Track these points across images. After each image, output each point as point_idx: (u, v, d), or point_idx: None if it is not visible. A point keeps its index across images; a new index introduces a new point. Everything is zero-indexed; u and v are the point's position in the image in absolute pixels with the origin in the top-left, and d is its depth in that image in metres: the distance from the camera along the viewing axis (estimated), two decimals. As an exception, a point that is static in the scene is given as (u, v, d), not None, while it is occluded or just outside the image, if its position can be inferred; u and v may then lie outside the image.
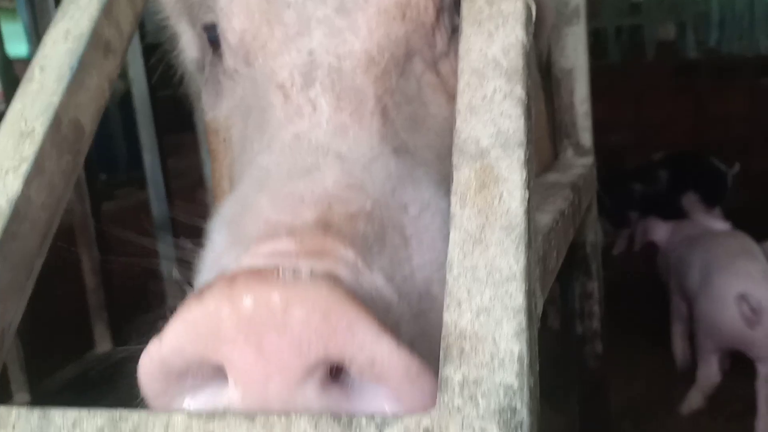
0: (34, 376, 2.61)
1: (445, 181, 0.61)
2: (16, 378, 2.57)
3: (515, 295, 0.48)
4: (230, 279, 0.46)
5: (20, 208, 0.59)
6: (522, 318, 0.47)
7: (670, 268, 2.48)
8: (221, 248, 0.62)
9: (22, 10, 2.85)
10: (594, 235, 1.14)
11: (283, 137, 0.67)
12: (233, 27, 0.78)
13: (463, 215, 0.53)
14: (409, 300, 0.54)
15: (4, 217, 0.57)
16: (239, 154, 0.78)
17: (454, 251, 0.51)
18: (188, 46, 1.01)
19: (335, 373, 0.49)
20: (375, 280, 0.53)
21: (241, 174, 0.73)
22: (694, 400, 2.26)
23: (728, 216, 3.44)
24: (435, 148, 0.68)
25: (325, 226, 0.56)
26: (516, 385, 0.45)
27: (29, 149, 0.62)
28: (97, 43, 0.75)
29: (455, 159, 0.56)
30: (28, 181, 0.61)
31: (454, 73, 0.68)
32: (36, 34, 2.67)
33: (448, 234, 0.52)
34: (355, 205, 0.58)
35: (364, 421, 0.45)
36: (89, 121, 0.71)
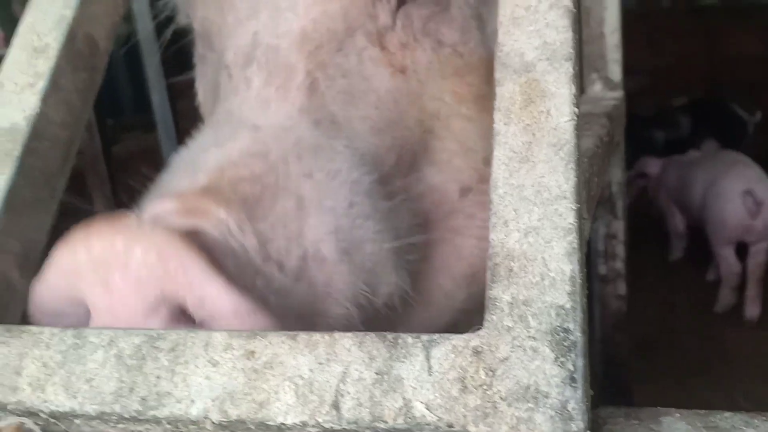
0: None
1: (377, 153, 0.67)
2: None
3: (565, 214, 0.46)
4: (87, 227, 0.52)
5: (38, 125, 0.56)
6: (573, 238, 0.45)
7: (668, 191, 2.90)
8: None
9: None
10: (620, 173, 1.11)
11: (219, 114, 0.71)
12: (196, 15, 0.82)
13: (508, 132, 0.50)
14: (290, 258, 0.58)
15: (23, 134, 0.54)
16: None
17: (498, 169, 0.48)
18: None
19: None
20: (245, 238, 0.56)
21: None
22: (725, 296, 2.59)
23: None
24: (371, 120, 0.70)
25: (208, 189, 0.59)
26: (569, 305, 0.42)
27: (44, 65, 0.59)
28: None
29: (498, 73, 0.53)
30: (45, 99, 0.58)
31: (402, 46, 0.71)
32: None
33: (355, 202, 0.60)
34: (246, 170, 0.61)
35: (410, 339, 0.43)
36: (104, 36, 0.67)
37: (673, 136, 3.29)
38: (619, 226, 1.12)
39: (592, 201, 0.61)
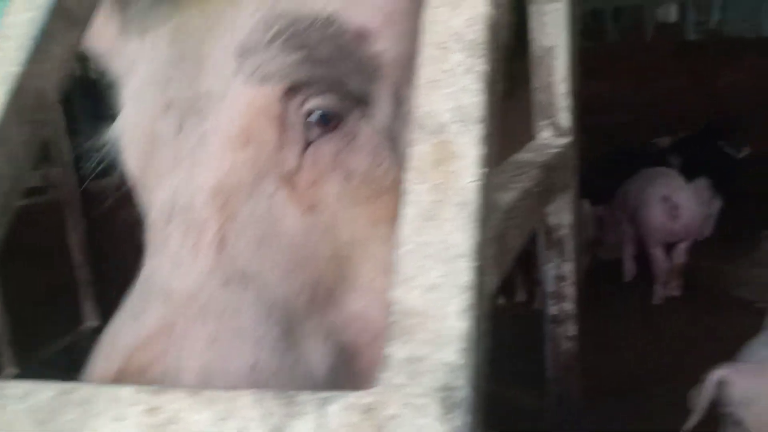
0: (22, 350, 2.61)
1: (288, 298, 0.70)
2: (4, 352, 2.57)
3: (465, 272, 0.48)
4: None
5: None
6: (470, 295, 0.47)
7: (624, 208, 3.19)
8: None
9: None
10: (570, 216, 1.14)
11: (142, 275, 0.74)
12: (129, 166, 0.84)
13: (417, 190, 0.52)
14: None
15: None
16: None
17: (406, 227, 0.50)
18: None
19: None
20: None
21: None
22: (658, 290, 2.99)
23: (731, 200, 3.58)
24: (282, 265, 0.72)
25: (118, 375, 0.63)
26: (459, 362, 0.44)
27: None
28: (59, 13, 0.73)
29: (413, 134, 0.55)
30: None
31: (312, 183, 0.74)
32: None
33: (260, 360, 0.64)
34: (152, 352, 0.65)
35: (305, 397, 0.44)
36: (53, 89, 0.69)
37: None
38: (569, 268, 1.15)
39: (509, 254, 0.63)
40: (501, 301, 3.13)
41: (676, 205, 2.82)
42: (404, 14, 0.75)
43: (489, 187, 0.54)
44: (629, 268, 3.31)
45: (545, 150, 0.99)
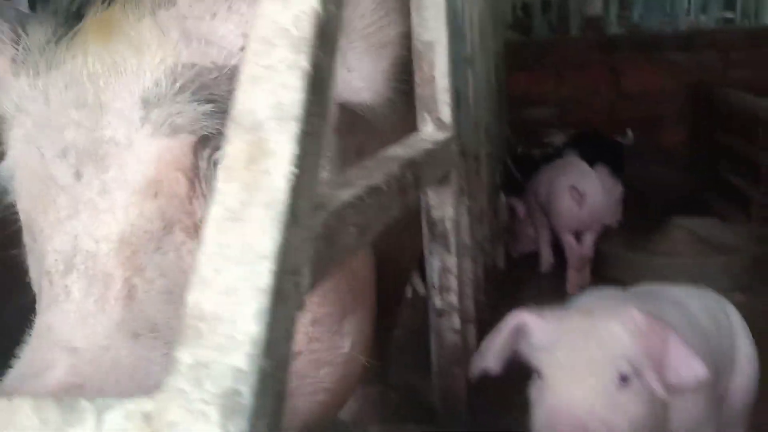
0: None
1: None
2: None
3: (264, 275, 0.47)
4: None
5: None
6: (266, 299, 0.46)
7: (536, 199, 3.32)
8: None
9: None
10: (454, 210, 1.15)
11: (39, 327, 0.71)
12: (21, 207, 0.82)
13: (226, 190, 0.50)
14: None
15: None
16: None
17: (209, 228, 0.49)
18: None
19: None
20: None
21: None
22: (572, 276, 3.08)
23: (638, 189, 3.76)
24: None
25: None
26: (246, 368, 0.43)
27: None
28: None
29: (229, 131, 0.53)
30: None
31: None
32: None
33: None
34: None
35: (85, 405, 0.43)
36: None
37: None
38: (453, 261, 1.16)
39: (341, 252, 0.62)
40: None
41: (583, 192, 2.94)
42: None
43: (308, 185, 0.54)
44: (546, 257, 3.40)
45: (420, 144, 0.99)
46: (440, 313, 1.19)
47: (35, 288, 0.83)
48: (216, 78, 0.75)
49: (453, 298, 1.17)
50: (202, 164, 0.76)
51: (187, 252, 0.74)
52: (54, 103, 0.77)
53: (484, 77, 2.64)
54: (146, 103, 0.74)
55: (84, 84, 0.76)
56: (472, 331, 1.64)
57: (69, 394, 0.61)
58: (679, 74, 4.90)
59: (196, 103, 0.74)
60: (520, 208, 3.40)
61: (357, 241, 0.65)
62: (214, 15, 0.78)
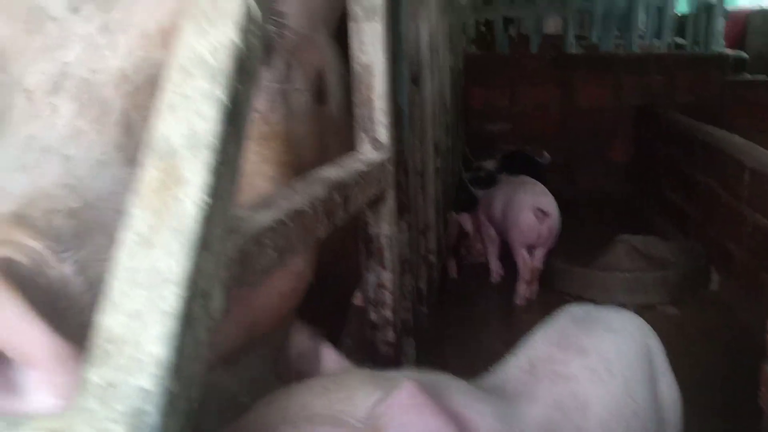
0: None
1: None
2: None
3: (170, 299, 0.49)
4: None
5: None
6: (173, 322, 0.48)
7: (489, 214, 3.46)
8: None
9: None
10: (389, 227, 1.18)
11: (17, 136, 0.70)
12: None
13: (137, 215, 0.52)
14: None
15: None
16: None
17: (120, 252, 0.51)
18: None
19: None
20: (62, 270, 0.58)
21: None
22: (522, 289, 3.22)
23: (592, 205, 4.04)
24: None
25: (19, 218, 0.60)
26: (152, 388, 0.45)
27: None
28: None
29: (144, 157, 0.55)
30: None
31: None
32: None
33: None
34: (60, 202, 0.63)
35: (-9, 423, 0.44)
36: None
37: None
38: (388, 277, 1.19)
39: (260, 275, 0.65)
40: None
41: (546, 210, 3.08)
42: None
43: (220, 212, 0.56)
44: (496, 269, 3.51)
45: (353, 165, 1.02)
46: (375, 327, 1.21)
47: None
48: None
49: (387, 313, 1.20)
50: None
51: None
52: None
53: (436, 94, 2.69)
54: None
55: None
56: (411, 342, 1.68)
57: (68, 200, 0.63)
58: (628, 94, 5.08)
59: None
60: (468, 224, 3.51)
61: (277, 263, 0.67)
62: None
